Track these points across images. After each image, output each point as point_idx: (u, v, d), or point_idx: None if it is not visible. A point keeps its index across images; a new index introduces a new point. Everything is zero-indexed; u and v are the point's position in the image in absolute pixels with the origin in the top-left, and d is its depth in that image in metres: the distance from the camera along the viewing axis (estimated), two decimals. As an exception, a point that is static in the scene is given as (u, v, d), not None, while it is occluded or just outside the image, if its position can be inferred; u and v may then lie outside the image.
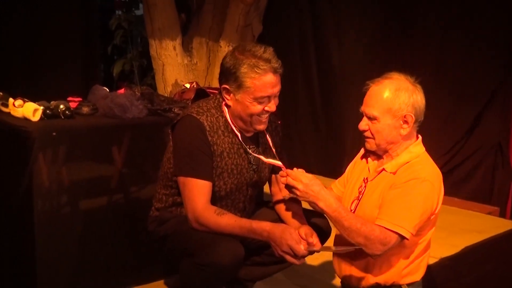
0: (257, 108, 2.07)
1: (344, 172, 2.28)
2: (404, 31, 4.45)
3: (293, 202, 2.26)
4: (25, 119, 2.57)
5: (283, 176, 2.02)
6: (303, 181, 1.95)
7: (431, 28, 4.31)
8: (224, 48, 4.62)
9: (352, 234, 1.91)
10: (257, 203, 2.39)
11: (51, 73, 5.04)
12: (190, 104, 3.08)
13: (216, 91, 3.20)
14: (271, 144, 2.23)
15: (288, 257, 1.96)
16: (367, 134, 2.04)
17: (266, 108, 2.09)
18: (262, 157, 2.17)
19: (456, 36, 4.18)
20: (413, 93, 1.98)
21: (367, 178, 2.08)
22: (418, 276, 2.07)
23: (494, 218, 3.92)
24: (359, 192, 2.08)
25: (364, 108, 2.02)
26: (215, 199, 2.15)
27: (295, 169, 2.01)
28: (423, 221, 1.94)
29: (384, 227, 1.89)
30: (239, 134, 2.16)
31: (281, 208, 2.28)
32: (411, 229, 1.90)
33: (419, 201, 1.91)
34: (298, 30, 5.10)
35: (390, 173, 2.01)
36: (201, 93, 3.26)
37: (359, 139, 2.02)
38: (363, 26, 4.71)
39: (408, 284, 2.04)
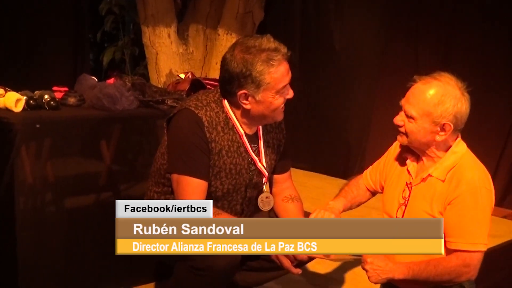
0: (280, 101, 2.12)
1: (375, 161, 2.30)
2: (418, 12, 4.39)
3: (295, 202, 2.31)
4: (7, 110, 2.55)
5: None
6: (368, 260, 1.97)
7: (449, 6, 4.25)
8: (223, 36, 4.61)
9: (436, 280, 1.96)
10: (256, 206, 2.37)
11: (35, 60, 5.01)
12: (184, 95, 3.08)
13: (213, 82, 3.19)
14: (262, 148, 2.24)
15: (286, 262, 1.96)
16: (402, 129, 2.06)
17: (287, 97, 2.15)
18: (257, 160, 2.20)
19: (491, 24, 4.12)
20: (458, 101, 1.97)
21: (410, 183, 2.10)
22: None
23: (509, 222, 3.89)
24: (404, 198, 2.10)
25: (404, 103, 2.03)
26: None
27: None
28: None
29: (463, 250, 1.95)
30: (243, 132, 2.17)
31: (281, 210, 2.31)
32: (486, 240, 1.98)
33: (485, 212, 1.98)
34: (301, 17, 5.07)
35: (438, 179, 2.02)
36: (197, 84, 3.26)
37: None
38: (370, 9, 4.67)
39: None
